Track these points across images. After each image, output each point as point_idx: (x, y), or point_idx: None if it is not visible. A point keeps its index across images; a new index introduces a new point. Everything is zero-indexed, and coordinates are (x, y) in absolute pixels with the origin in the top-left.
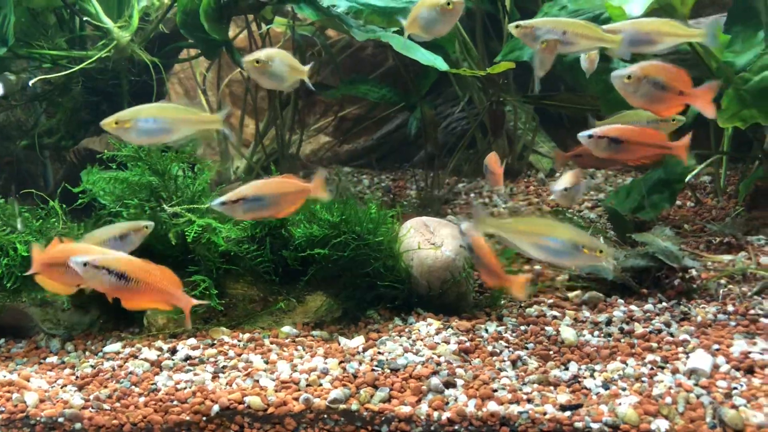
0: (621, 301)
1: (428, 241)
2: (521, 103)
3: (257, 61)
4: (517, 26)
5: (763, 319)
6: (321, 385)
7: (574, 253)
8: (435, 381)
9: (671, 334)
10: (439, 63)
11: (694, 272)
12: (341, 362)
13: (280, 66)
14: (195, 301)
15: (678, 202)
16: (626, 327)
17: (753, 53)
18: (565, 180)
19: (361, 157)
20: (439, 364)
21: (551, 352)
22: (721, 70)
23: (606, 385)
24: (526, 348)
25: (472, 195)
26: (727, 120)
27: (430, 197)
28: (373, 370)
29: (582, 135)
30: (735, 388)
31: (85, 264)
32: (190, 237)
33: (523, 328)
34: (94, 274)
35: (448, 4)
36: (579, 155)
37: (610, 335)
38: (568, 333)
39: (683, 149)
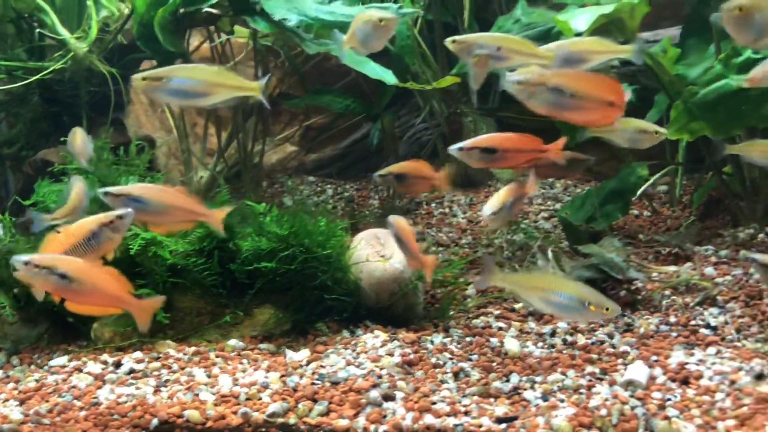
0: None
1: (378, 253)
2: (478, 115)
3: (158, 78)
4: (453, 41)
5: (702, 330)
6: (261, 398)
7: (581, 309)
8: (374, 394)
9: (613, 346)
10: (388, 77)
11: (639, 283)
12: (282, 376)
13: (183, 83)
14: (145, 303)
15: (635, 212)
16: (569, 338)
17: (705, 66)
18: (491, 204)
19: (327, 167)
20: (380, 377)
21: (494, 364)
22: (673, 82)
23: (545, 396)
24: (470, 360)
25: (433, 205)
26: (676, 132)
27: (391, 207)
28: (313, 383)
29: (452, 148)
30: (669, 400)
31: (26, 263)
32: (132, 250)
33: (468, 339)
34: (36, 273)
35: (381, 21)
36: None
37: (553, 346)
38: (511, 344)
39: (557, 152)
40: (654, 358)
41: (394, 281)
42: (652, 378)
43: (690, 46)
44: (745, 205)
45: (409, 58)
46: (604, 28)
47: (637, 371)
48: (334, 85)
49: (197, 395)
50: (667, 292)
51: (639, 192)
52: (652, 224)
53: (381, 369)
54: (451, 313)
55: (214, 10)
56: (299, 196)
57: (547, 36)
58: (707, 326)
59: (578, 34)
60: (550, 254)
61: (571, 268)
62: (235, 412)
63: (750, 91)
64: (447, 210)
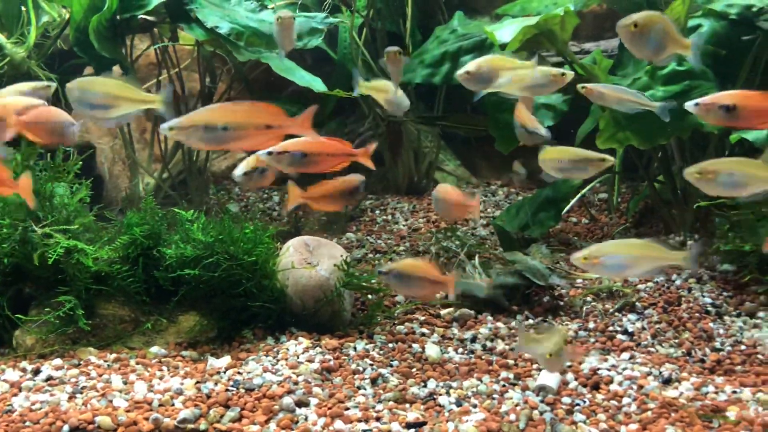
0: (490, 318)
1: (305, 260)
2: (418, 123)
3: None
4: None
5: (619, 336)
6: (173, 405)
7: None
8: (287, 400)
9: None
10: (317, 85)
11: (562, 290)
12: (198, 382)
13: None
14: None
15: (573, 219)
16: (489, 344)
17: (635, 77)
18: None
19: (279, 173)
20: (296, 383)
21: (414, 370)
22: None
23: (459, 402)
24: (391, 365)
25: (377, 212)
26: (605, 142)
27: (336, 214)
28: (227, 390)
29: (261, 153)
30: (577, 405)
31: None
32: (50, 259)
33: (391, 345)
34: None
35: (278, 19)
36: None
37: (473, 352)
38: (432, 350)
39: (366, 156)
40: (568, 363)
41: (319, 288)
42: (565, 383)
43: (627, 57)
44: (676, 213)
45: (351, 65)
46: (535, 39)
47: (549, 377)
48: (281, 92)
49: (111, 401)
50: (589, 298)
51: (574, 200)
52: (589, 231)
53: (298, 376)
54: (379, 319)
55: (150, 17)
56: (245, 202)
57: (481, 47)
58: (624, 332)
59: (503, 45)
60: (476, 261)
61: (497, 274)
62: (147, 418)
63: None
64: (389, 217)
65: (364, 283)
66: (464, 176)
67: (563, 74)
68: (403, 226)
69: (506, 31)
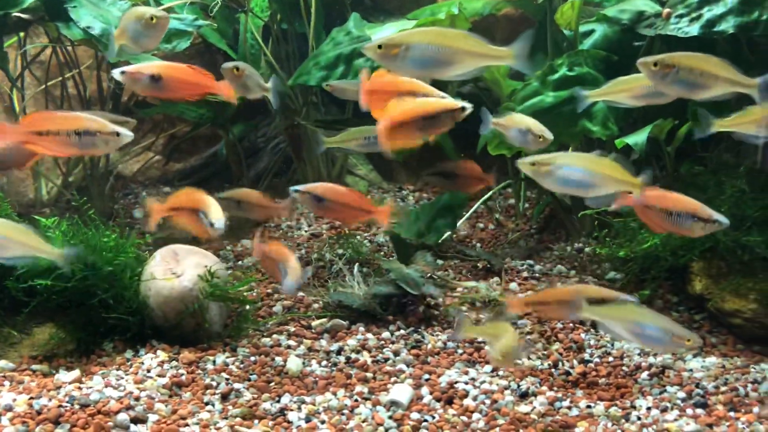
0: (363, 329)
1: (171, 270)
2: (315, 127)
3: None
4: None
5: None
6: (0, 422)
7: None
8: (122, 417)
9: (393, 364)
10: None
11: (439, 299)
12: (31, 398)
13: None
14: None
15: (480, 225)
16: (354, 356)
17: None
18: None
19: (190, 176)
20: (138, 399)
21: (272, 384)
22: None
23: (309, 417)
24: (249, 380)
25: (283, 217)
26: (495, 148)
27: (242, 219)
28: (60, 406)
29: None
30: (425, 420)
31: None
32: None
33: (253, 358)
34: None
35: (152, 18)
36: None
37: (336, 365)
38: (292, 363)
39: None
40: (426, 376)
41: (182, 300)
42: (419, 398)
43: (538, 61)
44: (576, 220)
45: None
46: None
47: (400, 391)
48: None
49: None
50: (464, 308)
51: (477, 205)
52: (494, 237)
53: (142, 391)
54: (250, 331)
55: (25, 15)
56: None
57: None
58: None
59: None
60: (355, 269)
61: (374, 283)
62: None
63: (563, 108)
64: (294, 223)
65: (230, 294)
66: (376, 180)
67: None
68: (305, 232)
69: (385, 33)
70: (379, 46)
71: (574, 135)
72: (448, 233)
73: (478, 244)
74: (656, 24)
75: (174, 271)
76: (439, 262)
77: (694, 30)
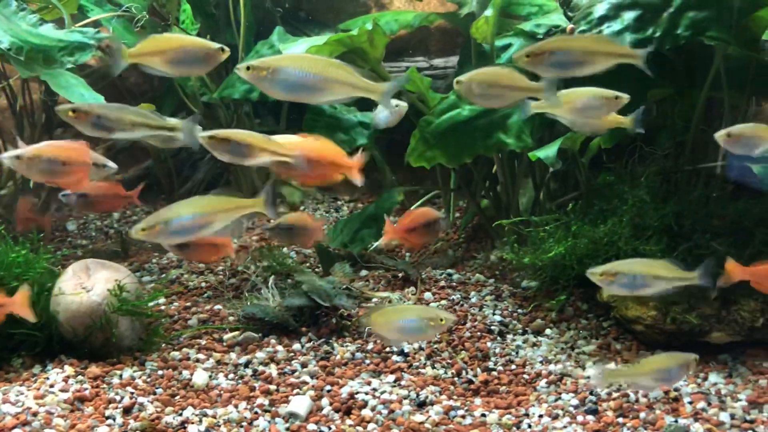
0: (274, 341)
1: (81, 284)
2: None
3: None
4: None
5: (394, 357)
6: None
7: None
8: None
9: (298, 376)
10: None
11: (352, 310)
12: None
13: None
14: None
15: None
16: (261, 368)
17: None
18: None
19: (130, 187)
20: (35, 414)
21: (177, 398)
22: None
23: (208, 430)
24: (154, 393)
25: None
26: (416, 160)
27: None
28: None
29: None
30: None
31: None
32: None
33: (161, 372)
34: None
35: None
36: None
37: (242, 378)
38: (198, 377)
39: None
40: (328, 388)
41: (90, 315)
42: (319, 409)
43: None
44: (501, 228)
45: (185, 79)
46: (348, 58)
47: (299, 403)
48: (132, 103)
49: None
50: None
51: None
52: (423, 247)
53: (41, 406)
54: (162, 345)
55: None
56: (83, 220)
57: None
58: (401, 353)
59: None
60: (270, 282)
61: (289, 294)
62: None
63: (479, 121)
64: None
65: (138, 309)
66: (310, 191)
67: None
68: (234, 243)
69: (297, 49)
70: (248, 68)
71: (489, 147)
72: (376, 243)
73: (408, 254)
74: None
75: (84, 286)
76: (364, 272)
77: None
